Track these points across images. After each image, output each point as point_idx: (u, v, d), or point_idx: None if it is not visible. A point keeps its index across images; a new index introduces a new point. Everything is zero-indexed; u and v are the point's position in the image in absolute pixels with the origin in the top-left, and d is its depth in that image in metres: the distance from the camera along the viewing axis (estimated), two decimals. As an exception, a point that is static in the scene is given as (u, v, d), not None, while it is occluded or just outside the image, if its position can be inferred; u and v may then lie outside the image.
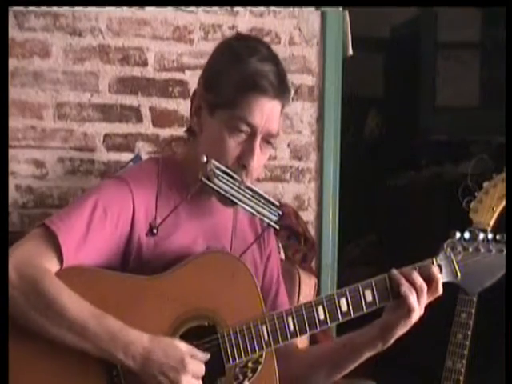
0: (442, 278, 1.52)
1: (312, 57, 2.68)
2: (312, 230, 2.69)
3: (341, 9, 2.70)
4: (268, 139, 1.49)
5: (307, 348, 1.50)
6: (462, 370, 1.70)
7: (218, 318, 1.45)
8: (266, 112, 1.46)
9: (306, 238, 2.58)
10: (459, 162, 3.71)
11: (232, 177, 1.47)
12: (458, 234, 1.56)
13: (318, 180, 2.71)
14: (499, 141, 3.21)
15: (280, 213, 1.55)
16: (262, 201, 1.52)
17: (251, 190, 1.51)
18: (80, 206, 1.46)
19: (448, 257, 1.54)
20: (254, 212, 1.52)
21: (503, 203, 1.65)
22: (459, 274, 1.55)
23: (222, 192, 1.47)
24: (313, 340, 2.11)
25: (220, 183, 1.46)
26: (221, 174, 1.46)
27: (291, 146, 2.68)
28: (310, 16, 2.67)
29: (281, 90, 1.48)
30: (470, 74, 4.68)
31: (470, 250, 1.55)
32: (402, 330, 1.50)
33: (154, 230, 1.49)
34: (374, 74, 4.96)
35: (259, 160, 1.49)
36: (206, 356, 1.42)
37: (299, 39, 2.66)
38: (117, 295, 1.41)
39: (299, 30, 2.66)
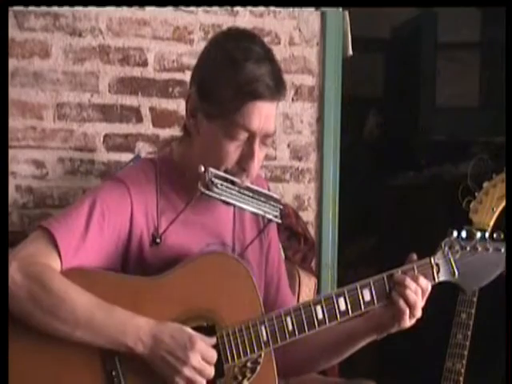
0: (438, 277, 1.54)
1: (312, 57, 2.68)
2: (312, 230, 2.69)
3: (341, 9, 2.70)
4: (266, 139, 1.49)
5: (310, 336, 1.50)
6: (462, 370, 1.70)
7: (216, 318, 1.45)
8: (264, 115, 1.45)
9: (305, 238, 2.58)
10: (459, 162, 3.70)
11: (231, 181, 1.48)
12: (455, 233, 1.56)
13: (317, 180, 2.71)
14: (499, 141, 3.21)
15: (281, 207, 1.56)
16: (262, 198, 1.53)
17: (250, 189, 1.52)
18: (78, 207, 1.46)
19: (446, 256, 1.55)
20: (256, 211, 1.53)
21: (503, 203, 1.65)
22: (456, 272, 1.55)
23: (222, 199, 1.48)
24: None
25: (219, 191, 1.46)
26: (219, 181, 1.46)
27: (291, 146, 2.68)
28: (310, 16, 2.67)
29: (277, 89, 1.47)
30: (469, 74, 4.67)
31: (468, 248, 1.56)
32: (396, 329, 1.52)
33: (158, 240, 1.50)
34: (374, 74, 4.95)
35: (258, 160, 1.50)
36: (213, 339, 1.42)
37: (299, 39, 2.66)
38: (116, 297, 1.41)
39: (299, 30, 2.66)
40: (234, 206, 1.51)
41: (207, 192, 1.45)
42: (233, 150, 1.47)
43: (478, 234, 1.56)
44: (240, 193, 1.49)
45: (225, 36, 1.55)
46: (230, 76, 1.44)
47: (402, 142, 4.48)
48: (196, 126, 1.51)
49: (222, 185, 1.46)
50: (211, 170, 1.45)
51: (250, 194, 1.51)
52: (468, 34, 4.70)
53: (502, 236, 1.57)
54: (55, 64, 2.46)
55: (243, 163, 1.48)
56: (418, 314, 1.50)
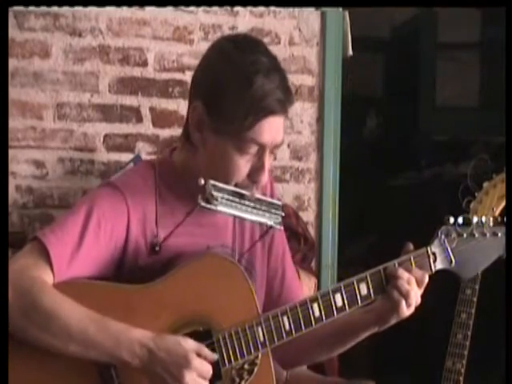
0: (435, 266, 1.54)
1: (312, 57, 2.68)
2: (312, 231, 2.69)
3: (341, 9, 2.70)
4: (274, 148, 1.49)
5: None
6: (462, 370, 1.70)
7: (213, 322, 1.44)
8: (275, 128, 1.45)
9: (305, 238, 2.58)
10: (459, 162, 3.71)
11: (232, 193, 1.46)
12: (451, 220, 1.55)
13: (318, 180, 2.71)
14: (499, 141, 3.21)
15: (283, 214, 1.55)
16: (264, 207, 1.52)
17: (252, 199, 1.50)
18: (74, 215, 1.44)
19: (442, 244, 1.55)
20: (257, 220, 1.52)
21: (503, 203, 1.65)
22: (454, 260, 1.55)
23: (223, 211, 1.46)
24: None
25: (219, 204, 1.45)
26: (220, 195, 1.44)
27: (291, 147, 2.68)
28: (310, 16, 2.67)
29: (287, 102, 1.46)
30: (469, 74, 4.67)
31: (465, 235, 1.55)
32: (395, 320, 1.52)
33: (157, 248, 1.48)
34: (374, 74, 4.95)
35: (268, 170, 1.49)
36: (214, 356, 1.41)
37: (299, 39, 2.67)
38: (109, 307, 1.39)
39: (299, 30, 2.66)
40: (235, 216, 1.50)
41: (208, 206, 1.44)
42: (243, 164, 1.45)
43: (475, 219, 1.55)
44: (241, 204, 1.48)
45: (229, 45, 1.48)
46: (242, 93, 1.41)
47: (402, 142, 4.48)
48: (202, 140, 1.47)
49: (222, 197, 1.45)
50: (211, 182, 1.43)
51: (252, 204, 1.49)
52: (468, 33, 4.69)
53: (499, 219, 1.57)
54: (55, 64, 2.46)
55: (254, 176, 1.47)
56: (414, 302, 1.49)
